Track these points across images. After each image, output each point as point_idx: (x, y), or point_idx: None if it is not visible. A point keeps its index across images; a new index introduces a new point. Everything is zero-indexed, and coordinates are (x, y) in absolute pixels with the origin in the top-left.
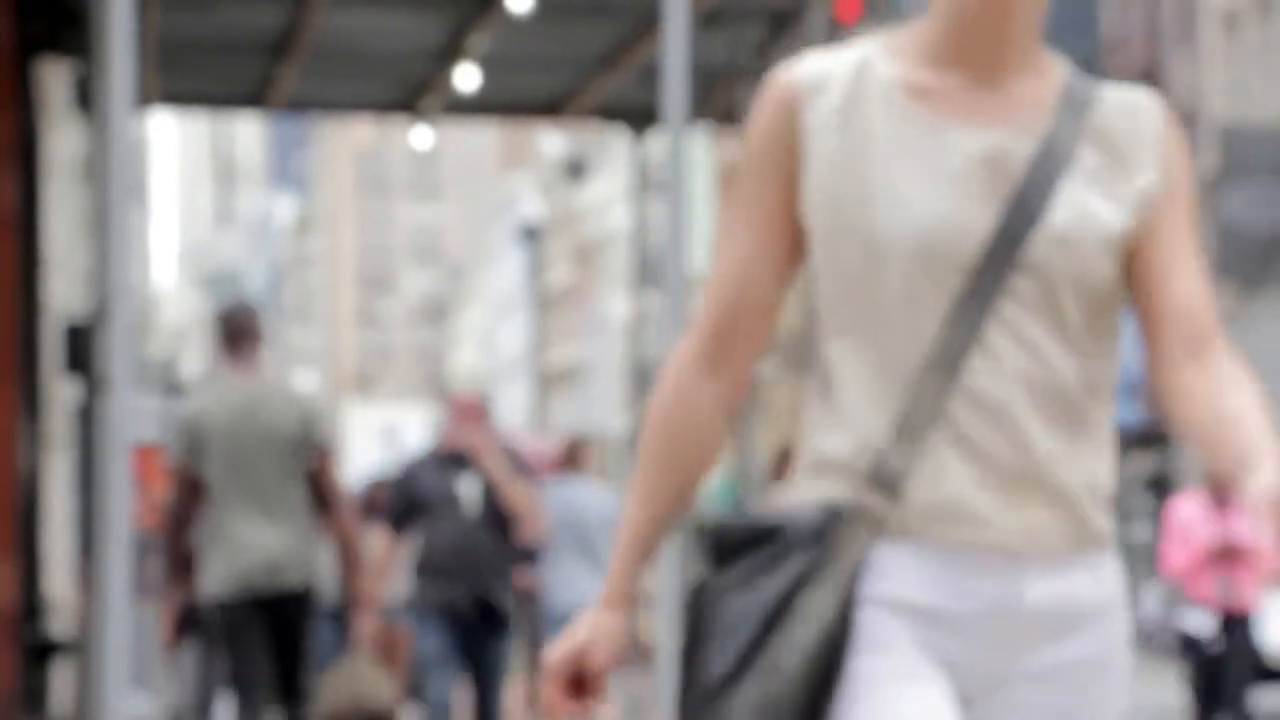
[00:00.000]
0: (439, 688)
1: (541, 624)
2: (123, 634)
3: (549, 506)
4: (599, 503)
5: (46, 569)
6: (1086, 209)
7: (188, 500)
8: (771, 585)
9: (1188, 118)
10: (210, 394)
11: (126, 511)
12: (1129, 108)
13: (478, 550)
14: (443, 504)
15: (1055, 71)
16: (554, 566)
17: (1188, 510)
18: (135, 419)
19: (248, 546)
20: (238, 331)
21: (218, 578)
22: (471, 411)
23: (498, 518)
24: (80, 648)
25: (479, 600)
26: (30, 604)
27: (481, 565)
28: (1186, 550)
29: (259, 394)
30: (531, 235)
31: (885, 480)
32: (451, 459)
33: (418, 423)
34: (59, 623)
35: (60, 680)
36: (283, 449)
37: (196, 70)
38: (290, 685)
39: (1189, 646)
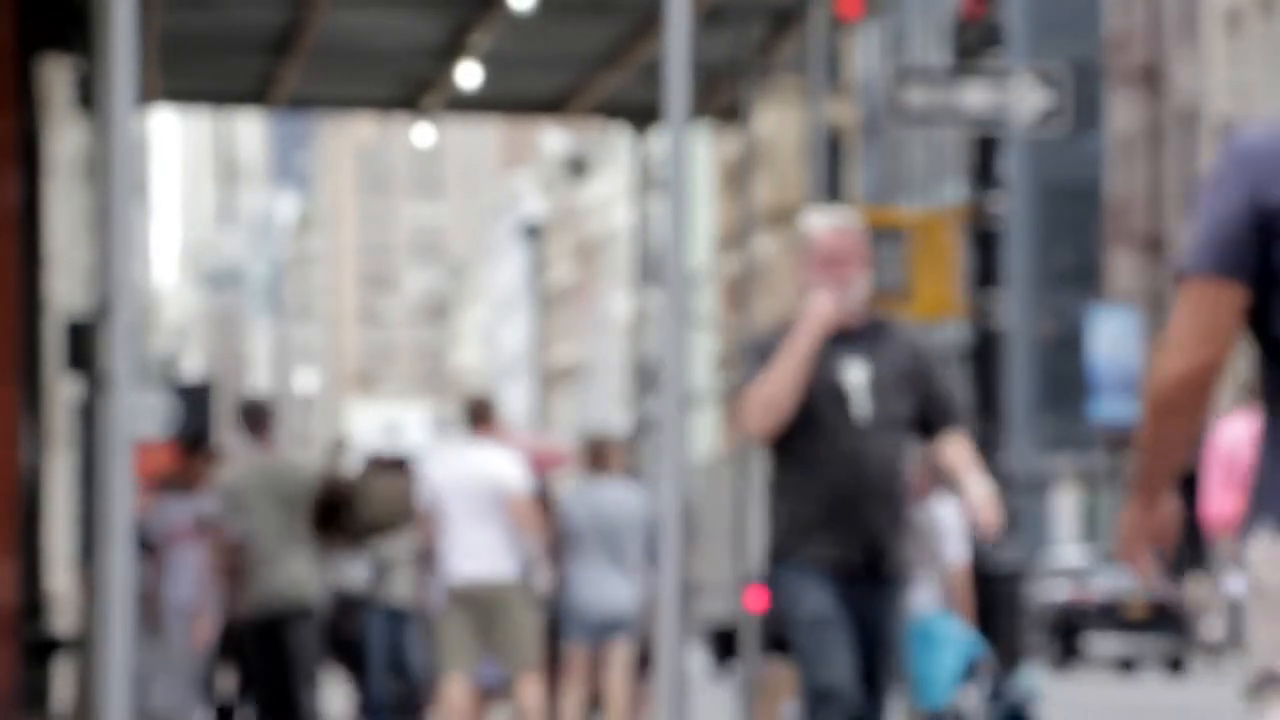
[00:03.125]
0: (830, 660)
1: (562, 624)
2: (124, 632)
3: (576, 507)
4: (626, 504)
5: (48, 566)
6: None
7: (231, 551)
8: None
9: (1189, 116)
10: (241, 468)
11: (128, 509)
12: None
13: (872, 469)
14: (826, 402)
15: None
16: (579, 566)
17: (1233, 434)
18: (137, 416)
19: (255, 582)
20: (256, 418)
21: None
22: (856, 252)
23: (897, 422)
24: (81, 646)
25: (872, 541)
26: (31, 602)
27: (878, 492)
28: (1236, 489)
29: (274, 466)
30: (533, 233)
31: None
32: (833, 337)
33: (418, 420)
34: (60, 620)
35: (61, 678)
36: (289, 504)
37: (198, 68)
38: (286, 693)
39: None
